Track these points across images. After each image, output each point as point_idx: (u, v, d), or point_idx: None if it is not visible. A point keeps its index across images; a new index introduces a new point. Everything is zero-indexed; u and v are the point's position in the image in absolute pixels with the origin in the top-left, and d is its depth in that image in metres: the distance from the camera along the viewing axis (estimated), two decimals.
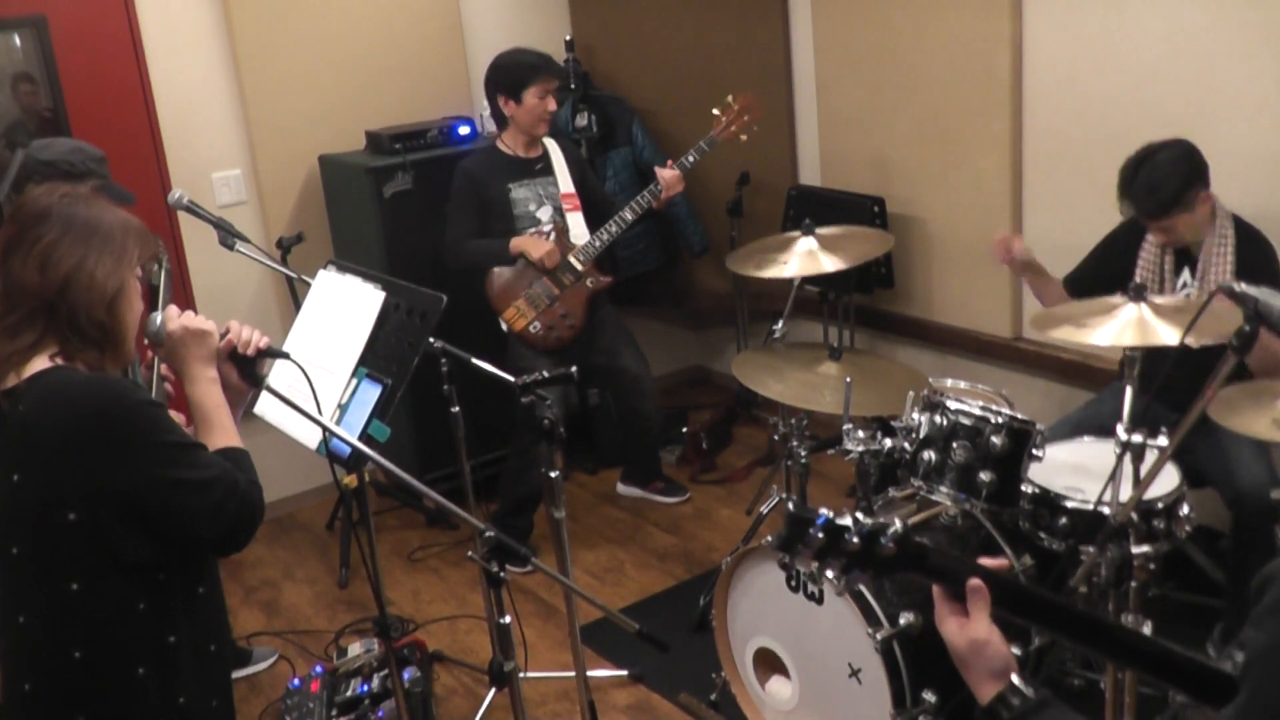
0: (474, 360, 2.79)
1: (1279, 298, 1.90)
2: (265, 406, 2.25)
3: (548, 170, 4.04)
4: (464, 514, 2.05)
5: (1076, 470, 2.85)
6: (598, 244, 3.99)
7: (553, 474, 2.64)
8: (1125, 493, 2.45)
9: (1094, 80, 3.66)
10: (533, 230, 3.98)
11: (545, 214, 4.01)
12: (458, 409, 3.06)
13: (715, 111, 4.00)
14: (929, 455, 2.82)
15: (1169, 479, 2.69)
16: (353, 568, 4.18)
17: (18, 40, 3.95)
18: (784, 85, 4.71)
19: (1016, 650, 2.55)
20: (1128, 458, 2.42)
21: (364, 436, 2.20)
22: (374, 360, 2.31)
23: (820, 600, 2.72)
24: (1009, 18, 3.81)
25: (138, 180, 4.00)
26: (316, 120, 4.46)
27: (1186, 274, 3.11)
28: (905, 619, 2.58)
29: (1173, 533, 2.65)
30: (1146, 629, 2.49)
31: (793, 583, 2.78)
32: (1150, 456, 2.40)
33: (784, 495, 3.63)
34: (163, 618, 1.78)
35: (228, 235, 3.24)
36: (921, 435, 2.84)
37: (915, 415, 2.86)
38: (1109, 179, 3.07)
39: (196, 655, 1.83)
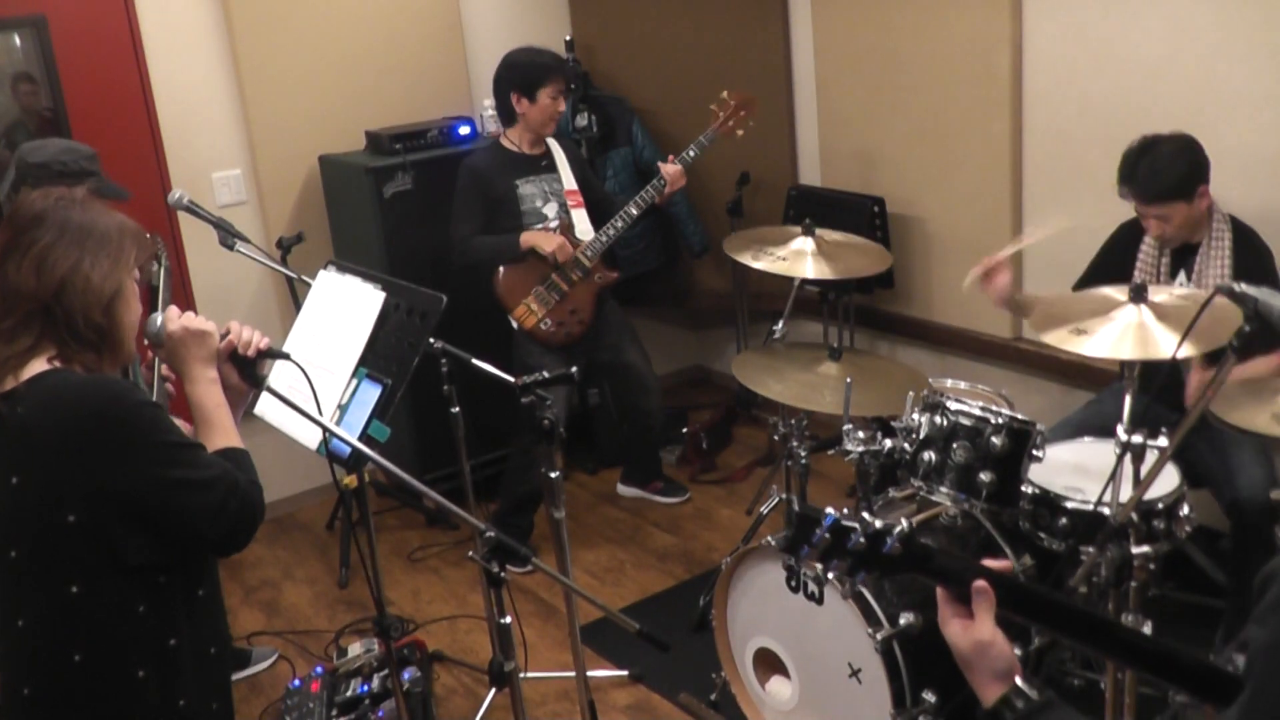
0: (474, 360, 2.79)
1: (1278, 298, 1.90)
2: (265, 407, 2.24)
3: (552, 167, 4.05)
4: (464, 514, 2.05)
5: (1077, 470, 2.85)
6: (604, 240, 4.00)
7: (553, 474, 2.64)
8: (1125, 493, 2.45)
9: (1094, 80, 3.66)
10: (539, 226, 3.98)
11: (551, 210, 4.02)
12: (458, 409, 3.06)
13: (712, 107, 4.01)
14: (929, 455, 2.82)
15: (1169, 479, 2.69)
16: (353, 568, 4.18)
17: (18, 40, 3.95)
18: (784, 85, 4.71)
19: (1017, 650, 2.55)
20: (1128, 458, 2.42)
21: (364, 437, 2.20)
22: (374, 360, 2.31)
23: (820, 600, 2.72)
24: (1009, 18, 3.81)
25: (138, 180, 3.99)
26: (316, 120, 4.46)
27: (1182, 275, 3.12)
28: (905, 619, 2.58)
29: (1173, 533, 2.65)
30: (1146, 629, 2.50)
31: (793, 583, 2.78)
32: (1150, 457, 2.40)
33: (784, 495, 3.63)
34: (163, 620, 1.78)
35: (228, 235, 3.24)
36: (921, 435, 2.84)
37: (915, 415, 2.86)
38: (1109, 179, 3.07)
39: (197, 658, 1.83)
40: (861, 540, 1.36)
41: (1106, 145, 3.31)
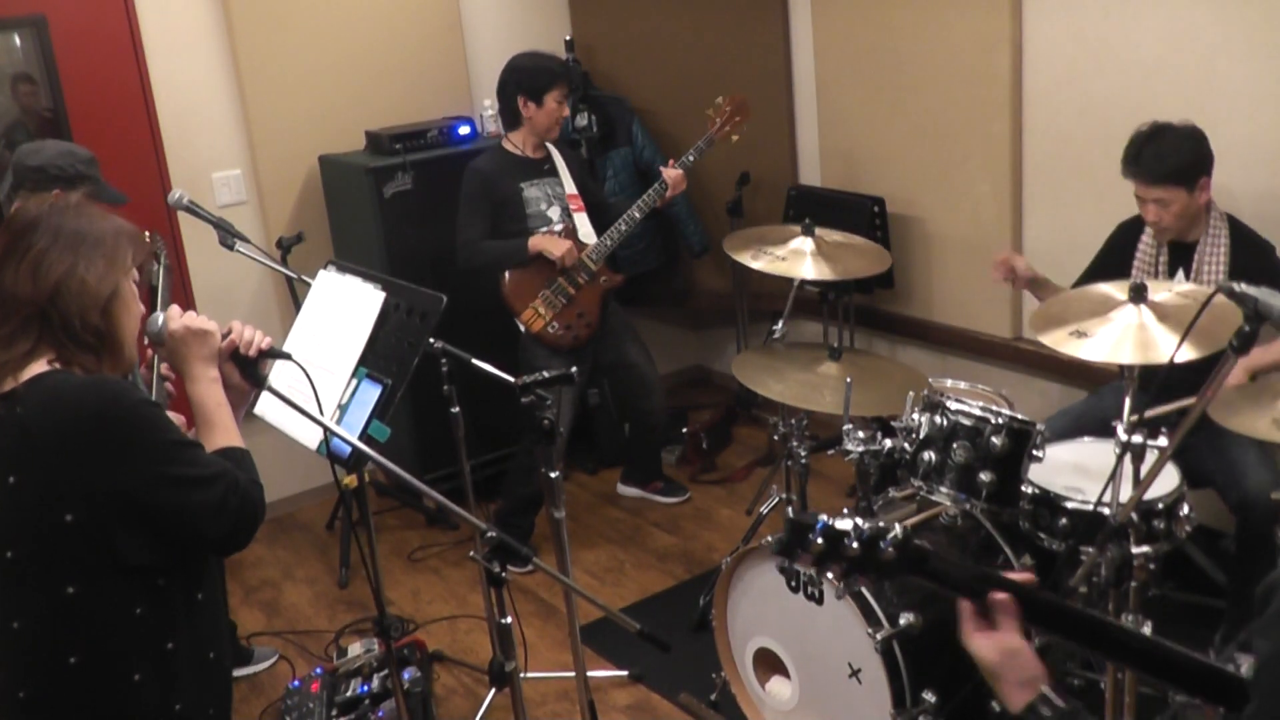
0: (474, 360, 2.79)
1: (1278, 297, 1.90)
2: (266, 406, 2.25)
3: (554, 171, 4.06)
4: (465, 514, 2.05)
5: (1076, 470, 2.85)
6: (609, 243, 4.01)
7: (552, 474, 2.64)
8: (1125, 493, 2.45)
9: (1094, 80, 3.66)
10: (544, 229, 3.99)
11: (555, 213, 4.03)
12: (458, 409, 3.06)
13: (708, 112, 4.04)
14: (929, 455, 2.82)
15: (1169, 479, 2.69)
16: (353, 568, 4.18)
17: (18, 40, 3.95)
18: (784, 85, 4.71)
19: None
20: (1128, 458, 2.42)
21: (364, 436, 2.20)
22: (374, 360, 2.31)
23: (820, 600, 2.72)
24: (1009, 18, 3.81)
25: (138, 180, 4.01)
26: (316, 120, 4.46)
27: (1181, 274, 3.12)
28: (905, 619, 2.58)
29: (1173, 533, 2.65)
30: (1146, 629, 2.49)
31: (793, 583, 2.78)
32: (1150, 457, 2.40)
33: (784, 495, 3.63)
34: (161, 623, 1.77)
35: (228, 235, 3.24)
36: (921, 435, 2.84)
37: (915, 415, 2.86)
38: (1109, 179, 3.08)
39: (194, 662, 1.83)
40: (855, 545, 1.36)
41: (1106, 145, 3.31)
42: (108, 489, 1.68)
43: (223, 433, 1.87)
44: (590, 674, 3.11)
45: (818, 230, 3.42)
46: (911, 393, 2.90)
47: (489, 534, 1.92)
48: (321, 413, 1.99)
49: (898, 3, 4.16)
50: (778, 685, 2.94)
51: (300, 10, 4.37)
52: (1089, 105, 3.69)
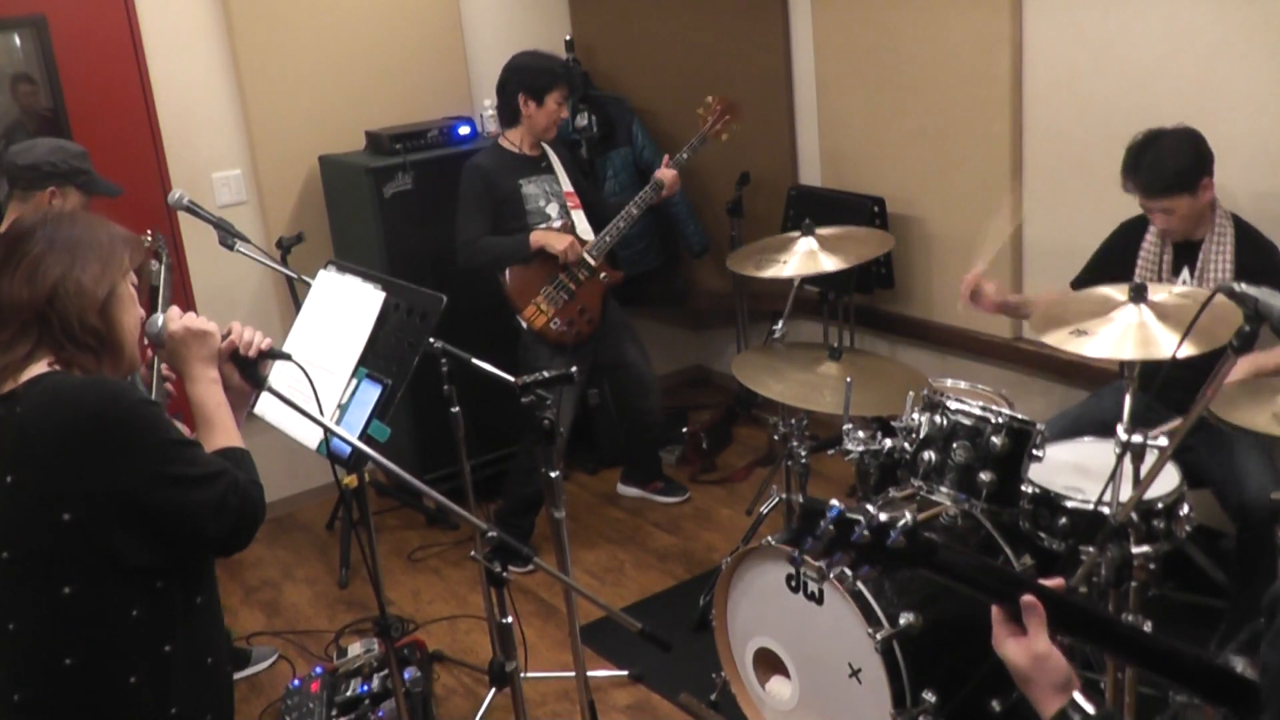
0: (474, 360, 2.79)
1: (1279, 297, 1.90)
2: (266, 406, 2.25)
3: (550, 169, 4.07)
4: (466, 514, 2.05)
5: (1077, 470, 2.85)
6: (609, 239, 4.03)
7: (552, 474, 2.64)
8: (1125, 493, 2.45)
9: (1094, 80, 3.66)
10: (544, 225, 3.99)
11: (554, 210, 4.03)
12: (458, 409, 3.06)
13: (699, 111, 4.07)
14: (929, 455, 2.82)
15: (1169, 479, 2.69)
16: (353, 568, 4.18)
17: (18, 40, 3.95)
18: (784, 85, 4.71)
19: None
20: (1128, 458, 2.42)
21: (364, 436, 2.20)
22: (374, 360, 2.31)
23: (820, 600, 2.72)
24: (1009, 18, 3.81)
25: (138, 180, 4.01)
26: (316, 120, 4.46)
27: (1185, 272, 3.12)
28: (905, 619, 2.58)
29: (1173, 533, 2.65)
30: (1146, 629, 2.49)
31: (793, 583, 2.78)
32: (1150, 457, 2.40)
33: (784, 495, 3.63)
34: (158, 626, 1.77)
35: (228, 235, 3.24)
36: (921, 435, 2.84)
37: (915, 415, 2.86)
38: (1109, 179, 3.07)
39: (192, 666, 1.82)
40: (866, 533, 1.37)
41: (1106, 145, 3.32)
42: (107, 488, 1.68)
43: (223, 433, 1.87)
44: (590, 674, 3.11)
45: (817, 229, 3.42)
46: (911, 393, 2.90)
47: (489, 534, 1.92)
48: (321, 413, 1.99)
49: (898, 3, 4.16)
50: (778, 685, 2.94)
51: (300, 10, 4.37)
52: (1089, 105, 3.69)
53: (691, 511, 4.46)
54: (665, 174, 3.99)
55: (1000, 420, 2.71)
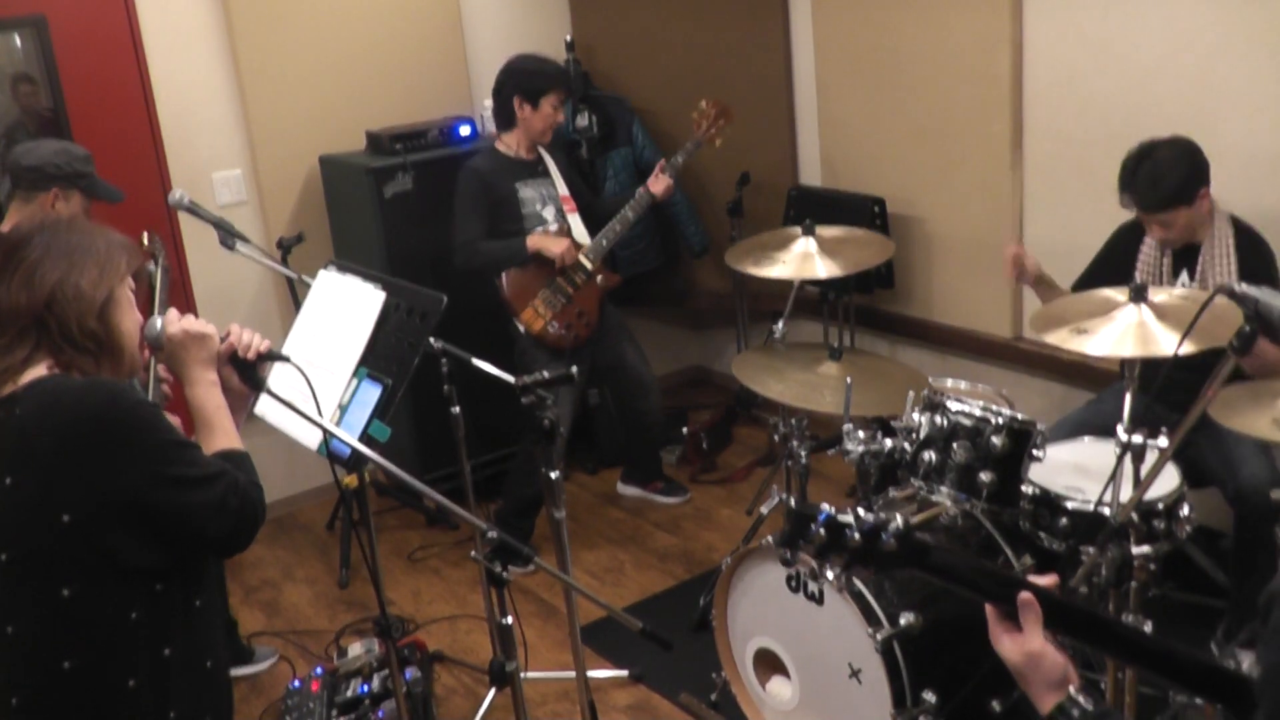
0: (474, 360, 2.79)
1: (1279, 298, 1.90)
2: (266, 406, 2.24)
3: (546, 173, 4.07)
4: (466, 514, 2.05)
5: (1077, 470, 2.85)
6: (605, 242, 4.03)
7: (553, 474, 2.64)
8: (1126, 493, 2.45)
9: (1094, 80, 3.66)
10: (540, 229, 3.99)
11: (550, 213, 4.04)
12: (458, 409, 3.06)
13: (694, 115, 4.08)
14: (929, 455, 2.82)
15: (1169, 479, 2.69)
16: (353, 568, 4.18)
17: (18, 40, 3.95)
18: (784, 85, 4.71)
19: None
20: (1128, 458, 2.42)
21: (364, 437, 2.20)
22: (374, 360, 2.31)
23: (820, 600, 2.72)
24: (1009, 18, 3.81)
25: (138, 180, 4.01)
26: (316, 120, 4.46)
27: (1185, 275, 3.12)
28: (905, 619, 2.58)
29: (1173, 533, 2.65)
30: (1146, 629, 2.49)
31: (793, 583, 2.78)
32: (1151, 457, 2.40)
33: (784, 495, 3.63)
34: (157, 629, 1.77)
35: (228, 235, 3.24)
36: (922, 435, 2.84)
37: (915, 415, 2.86)
38: (1109, 179, 3.07)
39: (191, 670, 1.82)
40: (857, 536, 1.37)
41: (1106, 145, 3.32)
42: (107, 489, 1.68)
43: (222, 435, 1.87)
44: (590, 674, 3.11)
45: (818, 229, 3.42)
46: (911, 393, 2.90)
47: (490, 534, 1.92)
48: (321, 414, 1.99)
49: (898, 3, 4.16)
50: (778, 685, 2.94)
51: (300, 10, 4.37)
52: (1089, 105, 3.69)
53: (692, 511, 4.46)
54: (656, 186, 4.02)
55: (1000, 420, 2.71)
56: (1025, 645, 1.37)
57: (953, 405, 2.79)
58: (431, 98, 4.66)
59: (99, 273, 1.79)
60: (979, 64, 3.93)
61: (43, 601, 1.71)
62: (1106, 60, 3.61)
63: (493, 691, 3.35)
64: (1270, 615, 1.15)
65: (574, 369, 2.73)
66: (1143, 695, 2.64)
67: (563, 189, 4.07)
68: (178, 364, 1.91)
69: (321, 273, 2.55)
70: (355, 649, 3.35)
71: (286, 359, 2.02)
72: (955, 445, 2.75)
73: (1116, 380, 3.38)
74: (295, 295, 3.88)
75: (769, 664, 2.94)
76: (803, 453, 3.29)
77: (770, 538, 2.84)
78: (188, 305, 4.25)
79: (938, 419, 2.81)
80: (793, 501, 3.44)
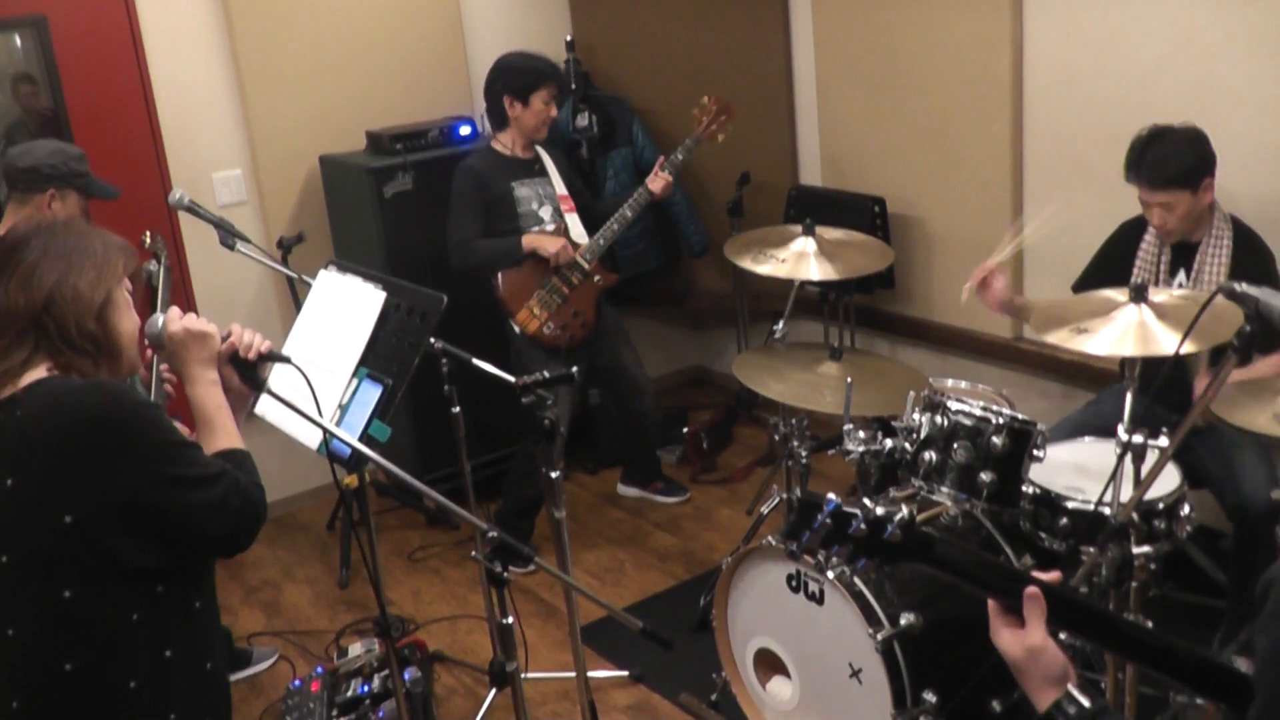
0: (474, 360, 2.79)
1: (1279, 298, 1.90)
2: (266, 406, 2.24)
3: (544, 172, 4.07)
4: (467, 514, 2.05)
5: (1077, 470, 2.85)
6: (602, 242, 4.02)
7: (553, 474, 2.64)
8: (1126, 493, 2.45)
9: (1094, 80, 3.66)
10: (536, 229, 3.99)
11: (547, 213, 4.03)
12: (458, 409, 3.06)
13: (695, 112, 4.07)
14: (929, 455, 2.82)
15: (1170, 479, 2.69)
16: (353, 568, 4.18)
17: (18, 40, 3.95)
18: (784, 85, 4.71)
19: None
20: (1128, 458, 2.42)
21: (364, 437, 2.20)
22: (374, 360, 2.31)
23: (821, 600, 2.72)
24: (1009, 18, 3.81)
25: (138, 180, 4.01)
26: (316, 120, 4.46)
27: (1182, 274, 3.12)
28: (906, 619, 2.58)
29: (1173, 533, 2.65)
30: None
31: (793, 583, 2.78)
32: (1151, 457, 2.40)
33: (784, 495, 3.63)
34: (158, 630, 1.77)
35: (228, 235, 3.24)
36: (922, 435, 2.84)
37: (916, 415, 2.86)
38: (1109, 179, 3.07)
39: (192, 672, 1.82)
40: (862, 526, 1.37)
41: (1107, 145, 3.31)
42: (107, 490, 1.68)
43: (223, 435, 1.87)
44: (591, 674, 3.11)
45: (818, 229, 3.42)
46: (912, 393, 2.90)
47: (490, 534, 1.92)
48: (321, 414, 1.99)
49: (898, 3, 4.16)
50: (778, 685, 2.94)
51: (300, 10, 4.37)
52: (1089, 105, 3.69)
53: (692, 511, 4.46)
54: (655, 184, 4.00)
55: (1001, 420, 2.71)
56: (1027, 640, 1.37)
57: (953, 405, 2.79)
58: (431, 98, 4.66)
59: (96, 274, 1.80)
60: (979, 64, 3.93)
61: (43, 603, 1.71)
62: (1106, 60, 3.61)
63: (493, 692, 3.35)
64: (1268, 600, 1.15)
65: (574, 370, 2.73)
66: (1143, 695, 2.64)
67: (560, 188, 4.07)
68: (179, 362, 1.91)
69: (322, 273, 2.55)
70: (355, 649, 3.35)
71: (287, 359, 2.02)
72: (956, 445, 2.75)
73: (1116, 380, 3.38)
74: (295, 295, 3.88)
75: (769, 664, 2.94)
76: (803, 453, 3.29)
77: (771, 538, 2.84)
78: (188, 305, 4.25)
79: (938, 419, 2.81)
80: (800, 492, 3.43)
